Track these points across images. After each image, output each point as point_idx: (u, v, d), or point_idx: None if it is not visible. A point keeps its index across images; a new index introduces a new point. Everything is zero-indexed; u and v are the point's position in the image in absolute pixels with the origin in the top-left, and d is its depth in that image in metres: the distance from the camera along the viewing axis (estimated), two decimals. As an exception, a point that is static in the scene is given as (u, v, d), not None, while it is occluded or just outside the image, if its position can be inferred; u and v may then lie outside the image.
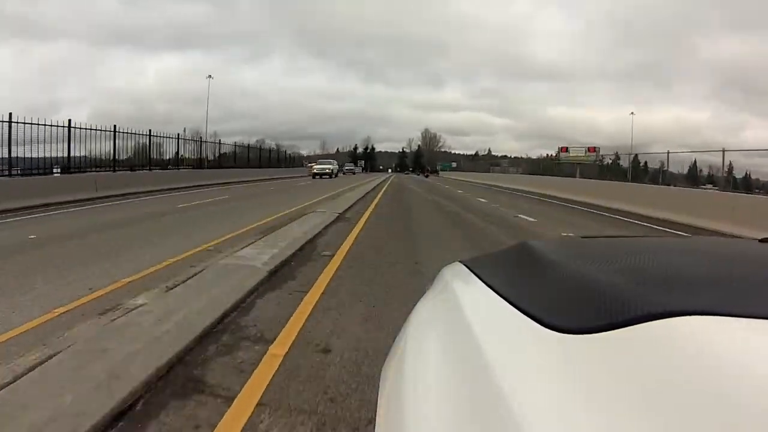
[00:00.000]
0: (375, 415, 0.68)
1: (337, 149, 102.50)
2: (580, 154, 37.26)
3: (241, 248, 5.34)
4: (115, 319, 2.85)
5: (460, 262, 1.02)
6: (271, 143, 62.68)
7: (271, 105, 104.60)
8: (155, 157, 21.36)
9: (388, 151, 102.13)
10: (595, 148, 37.11)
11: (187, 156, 25.50)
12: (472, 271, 0.90)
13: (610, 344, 0.46)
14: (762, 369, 0.37)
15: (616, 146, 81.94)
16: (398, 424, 0.56)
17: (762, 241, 0.99)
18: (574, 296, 0.60)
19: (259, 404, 2.05)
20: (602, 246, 1.02)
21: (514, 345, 0.57)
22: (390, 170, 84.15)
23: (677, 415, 0.35)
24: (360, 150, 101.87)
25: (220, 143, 31.91)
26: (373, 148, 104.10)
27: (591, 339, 0.48)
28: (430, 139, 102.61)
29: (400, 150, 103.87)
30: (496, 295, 0.71)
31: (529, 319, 0.57)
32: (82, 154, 15.88)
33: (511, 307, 0.64)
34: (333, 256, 5.43)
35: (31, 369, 2.12)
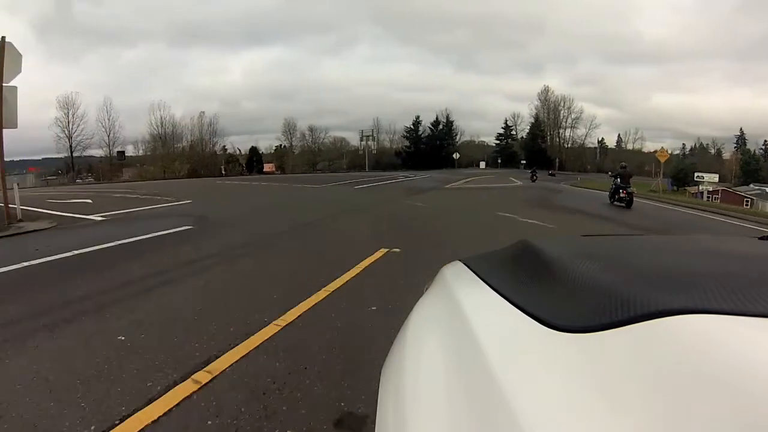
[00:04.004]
0: (375, 415, 0.68)
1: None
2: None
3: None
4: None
5: (459, 261, 1.03)
6: (369, 142, 65.16)
7: (359, 98, 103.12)
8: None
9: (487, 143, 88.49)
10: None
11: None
12: (471, 270, 0.91)
13: (610, 342, 0.46)
14: (762, 366, 0.37)
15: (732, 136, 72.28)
16: (399, 422, 0.56)
17: (762, 238, 1.01)
18: (574, 295, 0.60)
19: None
20: (602, 245, 1.02)
21: (514, 343, 0.57)
22: (483, 164, 68.02)
23: (677, 412, 0.35)
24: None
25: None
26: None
27: (591, 337, 0.48)
28: (551, 108, 69.93)
29: (502, 133, 75.11)
30: (496, 294, 0.71)
31: (528, 318, 0.58)
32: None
33: (511, 305, 0.64)
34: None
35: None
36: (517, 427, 0.40)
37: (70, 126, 52.53)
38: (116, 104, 62.76)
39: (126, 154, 56.28)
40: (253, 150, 64.68)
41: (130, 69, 79.73)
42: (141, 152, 57.53)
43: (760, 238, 1.02)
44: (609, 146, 75.56)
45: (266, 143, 69.01)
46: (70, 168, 52.41)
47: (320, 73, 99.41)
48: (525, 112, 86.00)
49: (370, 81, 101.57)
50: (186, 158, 52.97)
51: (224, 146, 63.06)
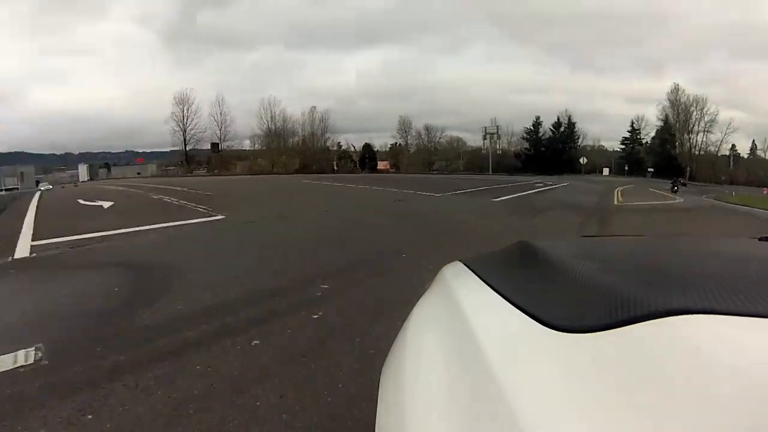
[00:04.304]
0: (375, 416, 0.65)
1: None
2: None
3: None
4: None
5: (459, 261, 1.01)
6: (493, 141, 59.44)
7: (474, 99, 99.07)
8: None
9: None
10: None
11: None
12: (471, 270, 0.89)
13: (610, 343, 0.46)
14: (762, 367, 0.37)
15: None
16: (399, 424, 0.55)
17: (761, 239, 1.00)
18: (574, 295, 0.61)
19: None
20: (602, 245, 1.04)
21: (515, 344, 0.56)
22: (606, 170, 59.10)
23: (677, 413, 0.35)
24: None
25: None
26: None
27: (591, 338, 0.48)
28: (682, 109, 56.84)
29: (627, 137, 64.03)
30: (496, 294, 0.70)
31: (529, 318, 0.57)
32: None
33: (511, 306, 0.63)
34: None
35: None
36: (517, 428, 0.40)
37: (185, 120, 55.32)
38: (233, 102, 65.55)
39: (238, 148, 58.78)
40: (367, 147, 63.37)
41: (247, 70, 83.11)
42: (257, 146, 58.47)
43: (760, 239, 1.03)
44: (740, 154, 62.33)
45: (381, 141, 68.87)
46: (185, 160, 55.11)
47: (435, 73, 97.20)
48: (649, 114, 72.47)
49: (484, 81, 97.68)
50: (296, 153, 51.85)
51: (338, 143, 62.05)
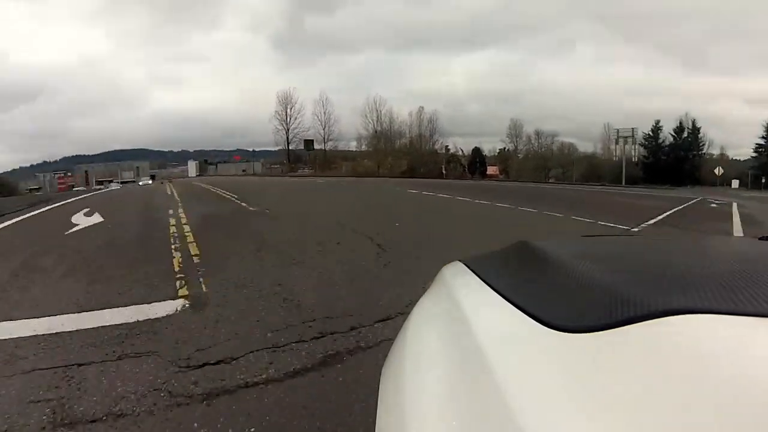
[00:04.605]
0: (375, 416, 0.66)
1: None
2: None
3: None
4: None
5: (459, 261, 1.01)
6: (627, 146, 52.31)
7: (581, 103, 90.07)
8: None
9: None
10: None
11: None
12: (471, 270, 0.89)
13: (610, 343, 0.46)
14: (762, 367, 0.37)
15: None
16: (399, 424, 0.55)
17: (762, 239, 1.00)
18: (574, 295, 0.60)
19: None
20: (602, 245, 1.02)
21: (514, 344, 0.56)
22: (736, 183, 47.70)
23: (677, 413, 0.35)
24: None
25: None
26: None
27: (591, 337, 0.48)
28: None
29: (762, 144, 52.52)
30: (496, 294, 0.70)
31: (529, 318, 0.57)
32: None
33: (511, 306, 0.63)
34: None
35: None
36: (516, 428, 0.40)
37: (288, 119, 54.61)
38: (337, 103, 64.72)
39: (344, 149, 57.26)
40: (477, 151, 59.57)
41: (351, 72, 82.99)
42: (362, 147, 56.24)
43: (760, 238, 1.02)
44: None
45: (488, 146, 64.00)
46: (288, 159, 54.64)
47: (542, 75, 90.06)
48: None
49: (593, 83, 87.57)
50: (402, 155, 48.66)
51: (446, 146, 58.38)
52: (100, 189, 44.90)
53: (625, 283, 0.57)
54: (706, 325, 0.44)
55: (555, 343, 0.50)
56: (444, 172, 49.84)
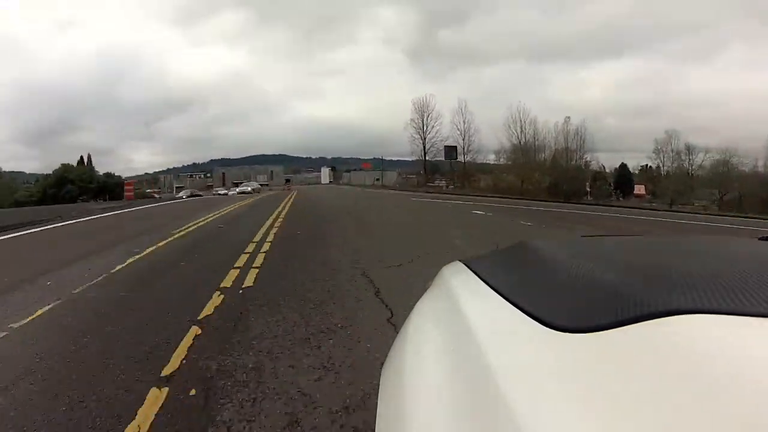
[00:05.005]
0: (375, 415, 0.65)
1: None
2: None
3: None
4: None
5: (459, 261, 1.01)
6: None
7: (730, 114, 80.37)
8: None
9: None
10: None
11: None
12: (471, 270, 0.89)
13: (610, 343, 0.46)
14: (762, 367, 0.37)
15: None
16: (399, 423, 0.55)
17: (762, 239, 1.00)
18: (574, 295, 0.60)
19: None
20: (602, 245, 1.01)
21: (515, 344, 0.56)
22: None
23: (677, 412, 0.35)
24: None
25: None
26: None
27: (591, 338, 0.48)
28: None
29: None
30: (496, 294, 0.70)
31: (529, 318, 0.57)
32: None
33: (511, 306, 0.63)
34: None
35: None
36: (516, 426, 0.40)
37: (424, 128, 53.18)
38: (474, 115, 61.84)
39: (483, 161, 54.25)
40: (623, 167, 54.28)
41: (487, 84, 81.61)
42: (501, 160, 52.96)
43: (760, 239, 1.02)
44: None
45: (631, 162, 57.88)
46: (424, 170, 53.49)
47: (686, 84, 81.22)
48: None
49: (743, 92, 77.06)
50: (546, 169, 45.54)
51: (587, 161, 54.06)
52: (222, 193, 45.88)
53: (625, 284, 0.57)
54: (706, 325, 0.44)
55: (555, 343, 0.50)
56: (588, 190, 46.78)
